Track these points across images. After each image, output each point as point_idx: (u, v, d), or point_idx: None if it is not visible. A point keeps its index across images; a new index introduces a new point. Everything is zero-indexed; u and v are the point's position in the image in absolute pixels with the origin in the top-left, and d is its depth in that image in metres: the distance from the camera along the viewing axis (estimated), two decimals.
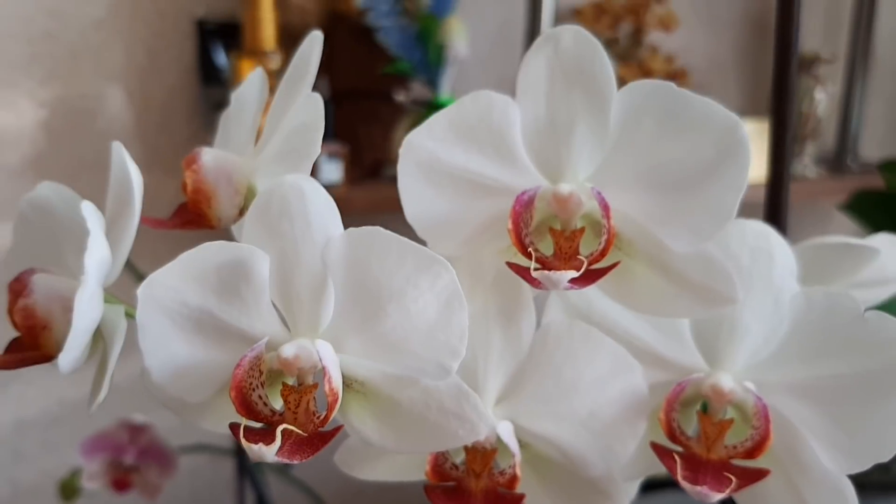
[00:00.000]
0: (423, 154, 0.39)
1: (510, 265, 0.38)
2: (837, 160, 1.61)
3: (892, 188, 1.14)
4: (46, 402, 1.41)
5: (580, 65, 0.39)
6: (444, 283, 0.35)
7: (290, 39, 1.35)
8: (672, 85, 0.38)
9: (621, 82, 0.38)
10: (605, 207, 0.37)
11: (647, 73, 1.40)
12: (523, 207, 0.38)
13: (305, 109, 0.38)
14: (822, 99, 1.49)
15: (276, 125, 0.40)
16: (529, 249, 0.38)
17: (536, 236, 0.40)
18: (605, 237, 0.38)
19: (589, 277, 0.37)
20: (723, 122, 0.37)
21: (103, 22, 1.35)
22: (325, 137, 1.31)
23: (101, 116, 1.40)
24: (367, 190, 1.30)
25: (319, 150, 0.37)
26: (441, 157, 0.39)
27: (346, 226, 0.36)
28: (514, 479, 0.39)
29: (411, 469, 0.43)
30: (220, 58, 1.34)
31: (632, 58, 1.46)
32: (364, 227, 0.35)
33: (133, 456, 1.12)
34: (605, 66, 0.39)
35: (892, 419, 0.38)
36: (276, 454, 0.32)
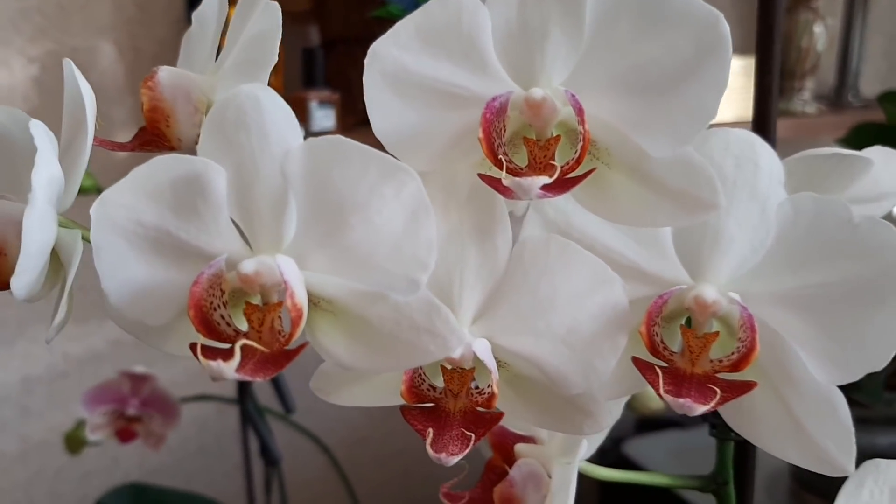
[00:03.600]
0: (389, 63, 0.37)
1: (482, 176, 0.36)
2: (838, 96, 1.57)
3: (891, 120, 1.11)
4: (51, 358, 1.41)
5: None
6: (410, 192, 0.33)
7: None
8: None
9: None
10: (580, 111, 0.36)
11: None
12: (494, 115, 0.36)
13: (263, 19, 0.37)
14: (821, 33, 1.45)
15: (236, 39, 0.39)
16: (500, 157, 0.36)
17: (511, 148, 0.38)
18: (580, 144, 0.36)
19: (563, 185, 0.35)
20: (702, 17, 0.35)
21: None
22: (317, 84, 1.27)
23: (92, 71, 1.38)
24: (361, 136, 1.26)
25: (276, 59, 0.35)
26: (408, 66, 0.37)
27: None
28: (492, 397, 0.38)
29: (389, 393, 0.41)
30: None
31: None
32: (324, 137, 0.33)
33: (135, 406, 1.12)
34: None
35: (884, 327, 0.37)
36: (237, 371, 0.31)
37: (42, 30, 1.32)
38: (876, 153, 0.50)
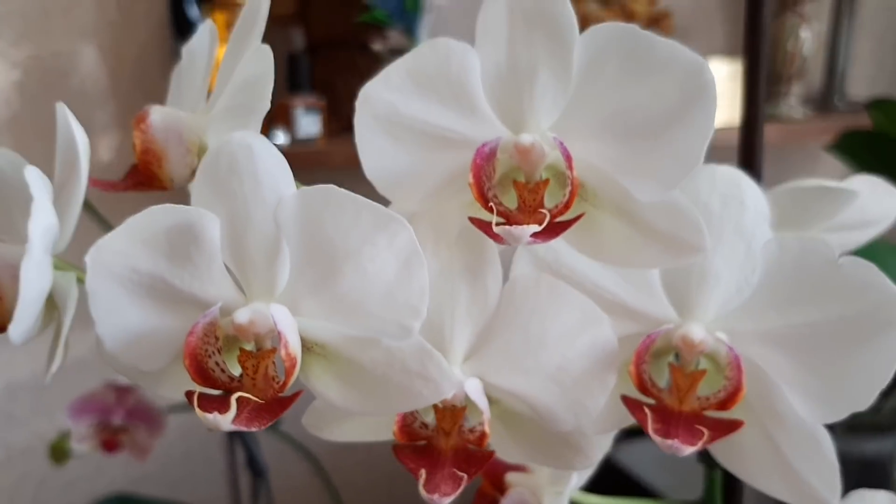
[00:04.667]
0: (380, 106, 0.38)
1: (473, 220, 0.37)
2: (824, 100, 1.59)
3: (879, 127, 1.13)
4: (36, 365, 1.40)
5: (540, 7, 0.37)
6: (403, 242, 0.34)
7: None
8: (635, 27, 0.36)
9: None
10: (568, 157, 0.36)
11: (629, 15, 1.37)
12: (484, 160, 0.37)
13: (254, 62, 0.37)
14: (808, 37, 1.47)
15: (227, 79, 0.39)
16: (491, 204, 0.37)
17: (500, 189, 0.39)
18: (568, 188, 0.36)
19: (553, 230, 0.36)
20: (688, 64, 0.36)
21: None
22: (302, 90, 1.26)
23: (74, 75, 1.38)
24: (347, 143, 1.27)
25: (269, 105, 0.35)
26: (399, 110, 0.38)
27: (327, 180, 0.35)
28: (483, 436, 0.38)
29: (380, 429, 0.42)
30: (193, 11, 1.31)
31: (614, 0, 1.43)
32: (317, 186, 0.34)
33: (121, 416, 1.12)
34: (566, 7, 0.37)
35: (869, 366, 0.38)
36: (233, 422, 0.31)
37: (24, 34, 1.31)
38: (862, 182, 0.51)
